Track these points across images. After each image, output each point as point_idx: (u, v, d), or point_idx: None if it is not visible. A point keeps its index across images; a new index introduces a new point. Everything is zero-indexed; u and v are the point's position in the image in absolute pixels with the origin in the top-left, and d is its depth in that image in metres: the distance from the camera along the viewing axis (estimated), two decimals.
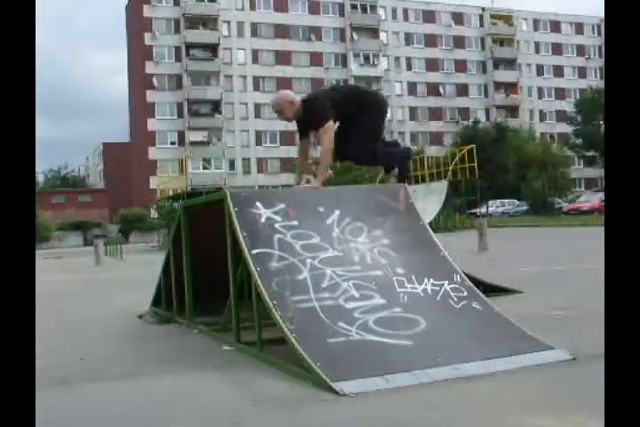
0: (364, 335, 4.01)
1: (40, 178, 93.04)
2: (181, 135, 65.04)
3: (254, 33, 66.94)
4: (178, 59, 64.94)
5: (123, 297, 9.19)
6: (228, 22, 66.30)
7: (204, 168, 64.19)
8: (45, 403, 3.68)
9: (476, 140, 48.96)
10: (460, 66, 73.91)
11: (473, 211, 40.90)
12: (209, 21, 65.76)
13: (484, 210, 37.35)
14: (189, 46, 64.84)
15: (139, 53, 65.51)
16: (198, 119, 64.85)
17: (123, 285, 11.48)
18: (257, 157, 66.77)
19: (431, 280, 4.62)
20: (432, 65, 72.66)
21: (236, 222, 4.70)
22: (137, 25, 65.77)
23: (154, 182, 55.20)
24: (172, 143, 64.83)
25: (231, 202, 4.82)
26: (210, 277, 5.86)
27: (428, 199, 27.59)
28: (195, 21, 65.35)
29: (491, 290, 6.24)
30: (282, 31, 67.36)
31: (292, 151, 66.00)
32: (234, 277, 4.97)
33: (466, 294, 4.57)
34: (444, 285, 4.60)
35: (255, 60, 66.75)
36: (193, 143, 64.06)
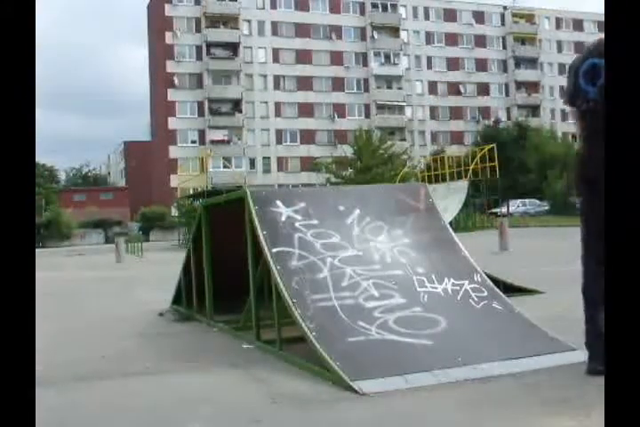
0: (383, 335, 4.00)
1: (62, 176, 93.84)
2: (202, 134, 65.29)
3: (275, 32, 67.02)
4: (199, 57, 65.16)
5: (143, 295, 9.25)
6: (249, 21, 66.43)
7: (225, 167, 64.48)
8: (65, 399, 3.72)
9: (498, 139, 48.64)
10: (481, 65, 73.49)
11: (494, 210, 40.63)
12: (230, 20, 65.90)
13: (504, 210, 37.10)
14: (210, 45, 65.03)
15: (160, 52, 65.87)
16: (219, 118, 65.02)
17: (143, 282, 11.55)
18: (277, 156, 66.85)
19: (451, 280, 4.60)
20: (453, 64, 72.31)
21: (256, 221, 4.72)
22: (158, 24, 66.12)
23: (174, 181, 55.52)
24: (193, 142, 65.08)
25: (252, 200, 4.83)
26: (230, 276, 5.88)
27: (449, 199, 27.51)
28: (215, 20, 65.54)
29: (511, 290, 6.22)
30: (302, 30, 67.37)
31: (312, 150, 66.10)
32: (254, 275, 4.98)
33: (486, 293, 4.55)
34: (464, 284, 4.58)
35: (276, 58, 66.82)
36: (213, 142, 64.24)
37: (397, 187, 5.95)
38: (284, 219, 4.79)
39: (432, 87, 71.59)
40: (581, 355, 3.91)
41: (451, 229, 5.13)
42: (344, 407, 3.20)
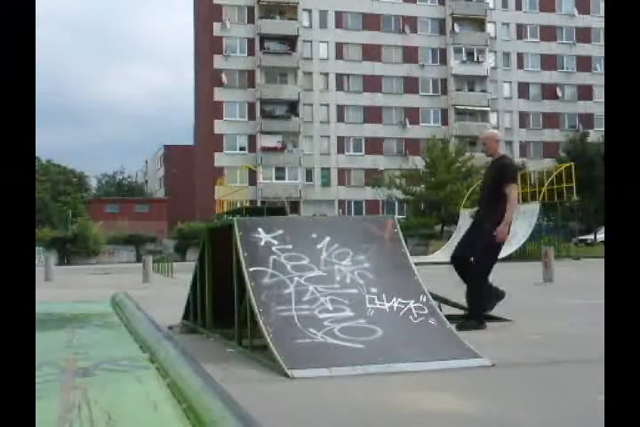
0: (327, 339, 5.99)
1: (93, 183, 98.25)
2: (252, 140, 67.93)
3: (339, 24, 69.53)
4: (250, 52, 68.06)
5: (160, 311, 11.40)
6: (309, 11, 69.15)
7: (277, 178, 66.99)
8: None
9: (584, 155, 49.56)
10: (584, 64, 74.36)
11: (583, 238, 42.25)
12: (287, 10, 68.74)
13: (589, 237, 38.48)
14: (264, 38, 67.88)
15: (207, 45, 69.06)
16: (272, 122, 67.61)
17: (163, 300, 13.73)
18: (338, 167, 68.99)
19: (399, 299, 6.55)
20: (548, 62, 73.42)
21: (239, 244, 6.77)
22: (205, 13, 69.36)
23: (220, 193, 58.28)
24: (242, 149, 67.89)
25: (237, 227, 6.89)
26: (230, 292, 7.94)
27: (517, 223, 29.16)
28: (271, 9, 68.45)
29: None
30: (371, 22, 69.71)
31: (378, 161, 68.16)
32: (238, 290, 7.03)
33: (426, 312, 6.49)
34: (409, 303, 6.53)
35: (339, 54, 69.25)
36: (265, 149, 66.84)
37: (367, 218, 7.94)
38: (262, 243, 6.84)
39: (522, 90, 72.92)
40: (482, 361, 5.83)
41: (410, 257, 7.08)
42: (273, 385, 5.21)
